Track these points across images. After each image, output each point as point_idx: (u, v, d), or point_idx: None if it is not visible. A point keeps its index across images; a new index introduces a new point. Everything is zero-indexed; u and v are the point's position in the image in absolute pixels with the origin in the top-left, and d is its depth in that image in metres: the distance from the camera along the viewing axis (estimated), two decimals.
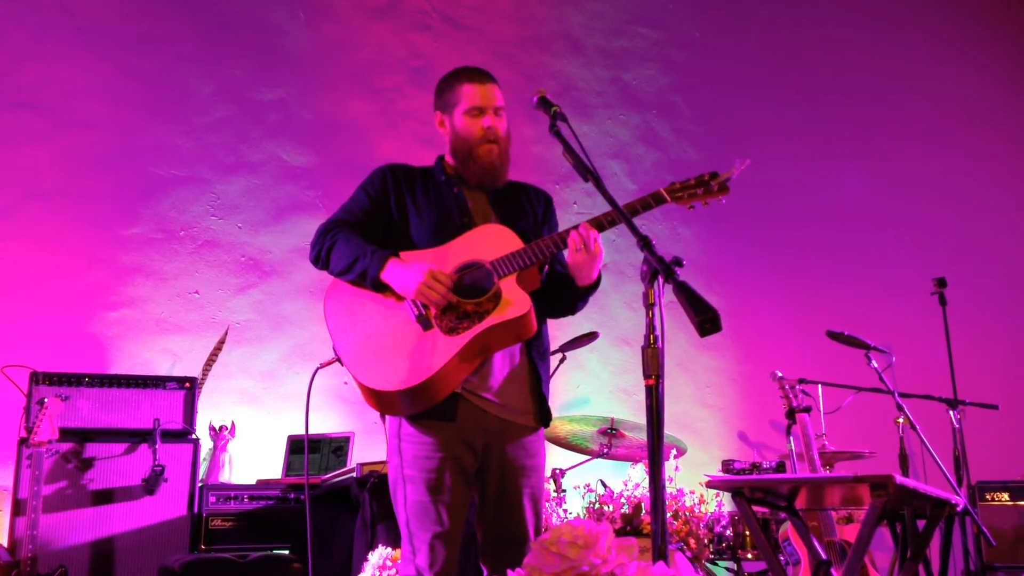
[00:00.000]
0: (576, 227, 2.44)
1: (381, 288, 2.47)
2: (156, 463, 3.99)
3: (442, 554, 2.39)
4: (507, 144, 2.65)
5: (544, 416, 2.57)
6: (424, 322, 2.42)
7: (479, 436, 2.47)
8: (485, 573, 2.53)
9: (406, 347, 2.41)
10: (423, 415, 2.44)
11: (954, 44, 7.03)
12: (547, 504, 3.96)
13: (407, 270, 2.43)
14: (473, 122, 2.61)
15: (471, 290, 2.46)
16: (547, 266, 2.61)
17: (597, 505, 3.86)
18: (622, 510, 3.77)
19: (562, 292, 2.57)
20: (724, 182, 2.45)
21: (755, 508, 2.90)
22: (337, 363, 2.57)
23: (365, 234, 2.57)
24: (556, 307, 2.64)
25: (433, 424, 2.44)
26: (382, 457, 3.78)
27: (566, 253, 2.50)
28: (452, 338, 2.39)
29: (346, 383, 5.09)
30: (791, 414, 4.13)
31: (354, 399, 4.91)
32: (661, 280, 2.00)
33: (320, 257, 2.57)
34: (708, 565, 4.09)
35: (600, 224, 2.44)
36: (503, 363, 2.51)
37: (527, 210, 2.69)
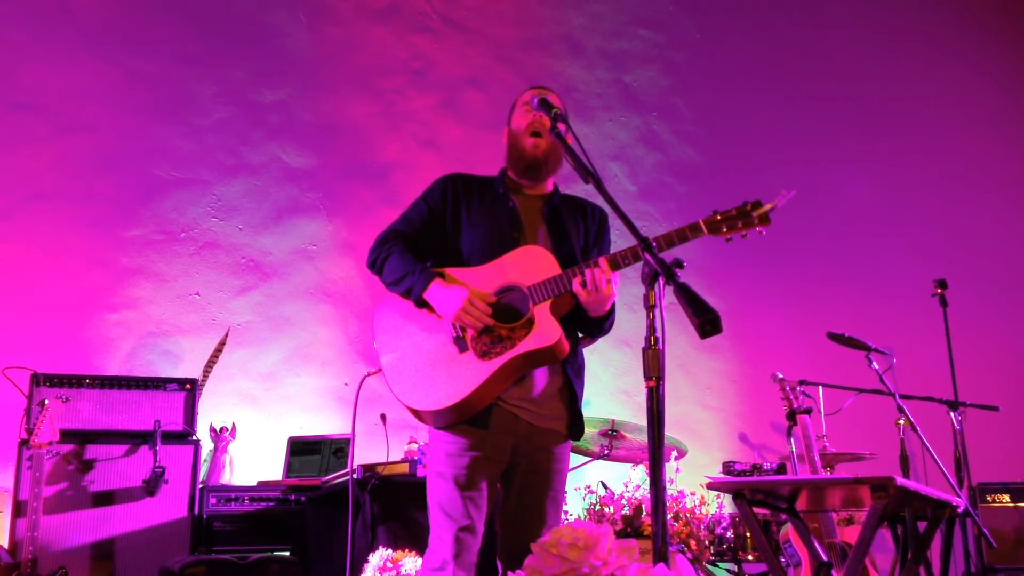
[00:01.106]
0: (594, 263, 2.44)
1: (425, 305, 2.57)
2: (157, 465, 3.99)
3: (466, 547, 2.47)
4: (553, 145, 2.65)
5: (575, 429, 2.64)
6: (461, 344, 2.52)
7: (509, 439, 2.55)
8: (500, 570, 2.60)
9: (442, 368, 2.51)
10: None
11: (954, 47, 7.03)
12: None
13: (448, 292, 2.51)
14: (524, 116, 2.69)
15: (508, 313, 2.52)
16: None
17: (598, 507, 3.86)
18: (623, 512, 3.77)
19: (580, 319, 2.61)
20: (766, 213, 2.38)
21: (756, 510, 2.89)
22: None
23: (422, 243, 2.69)
24: (583, 331, 2.71)
25: (466, 427, 2.53)
26: (382, 459, 3.79)
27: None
28: (484, 362, 2.47)
29: (346, 384, 5.09)
30: (792, 416, 4.13)
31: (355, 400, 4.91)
32: (662, 282, 2.00)
33: (375, 265, 2.69)
34: (709, 567, 4.09)
35: (616, 263, 2.43)
36: (541, 379, 2.58)
37: (580, 229, 2.73)
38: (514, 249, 2.60)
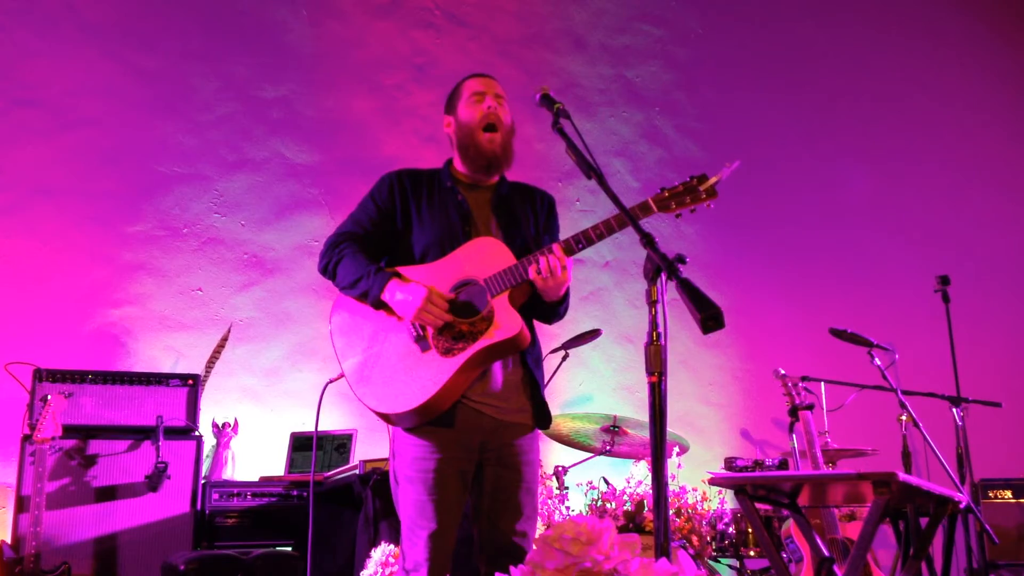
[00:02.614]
0: (548, 250, 2.44)
1: (383, 306, 2.54)
2: (159, 460, 4.00)
3: (437, 551, 2.45)
4: (508, 135, 2.67)
5: (542, 419, 2.62)
6: (423, 343, 2.49)
7: (475, 436, 2.53)
8: (482, 570, 2.56)
9: (405, 369, 2.49)
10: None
11: (958, 43, 7.02)
12: (549, 501, 3.96)
13: (405, 292, 2.48)
14: (474, 107, 2.66)
15: (466, 308, 2.50)
16: None
17: (600, 502, 3.86)
18: (624, 507, 3.77)
19: (534, 306, 2.61)
20: (712, 186, 2.39)
21: (758, 505, 2.90)
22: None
23: (373, 243, 2.65)
24: (538, 317, 2.70)
25: (431, 429, 2.50)
26: (385, 454, 3.79)
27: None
28: (448, 359, 2.45)
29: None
30: (794, 411, 4.13)
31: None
32: (664, 277, 2.00)
33: (328, 269, 2.65)
34: (711, 562, 4.09)
35: (570, 248, 2.45)
36: (501, 372, 2.56)
37: (529, 217, 2.71)
38: (467, 242, 2.58)
